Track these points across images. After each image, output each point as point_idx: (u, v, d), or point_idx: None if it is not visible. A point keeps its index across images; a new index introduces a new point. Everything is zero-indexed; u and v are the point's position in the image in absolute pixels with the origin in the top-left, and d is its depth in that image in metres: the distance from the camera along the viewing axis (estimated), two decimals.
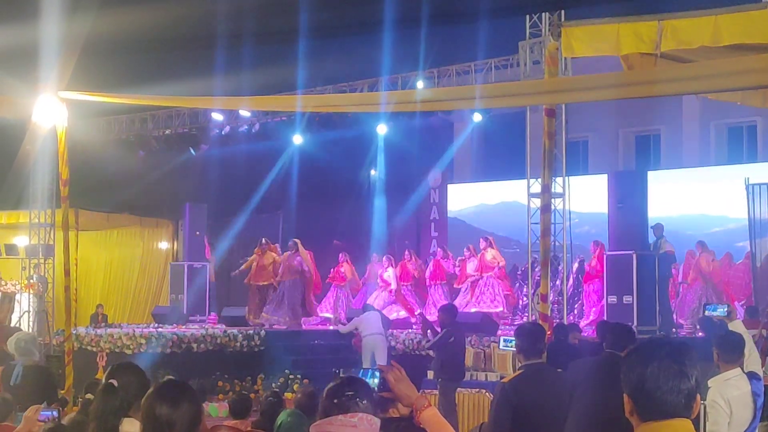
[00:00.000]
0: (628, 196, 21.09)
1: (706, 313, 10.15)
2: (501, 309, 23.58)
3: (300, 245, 25.12)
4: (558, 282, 21.60)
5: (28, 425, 7.45)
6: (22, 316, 25.92)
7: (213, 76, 20.99)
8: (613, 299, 20.48)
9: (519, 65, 21.22)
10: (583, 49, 11.96)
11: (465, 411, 17.56)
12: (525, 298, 23.60)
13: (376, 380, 4.78)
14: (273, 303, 24.92)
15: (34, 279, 26.38)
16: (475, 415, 17.24)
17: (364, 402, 4.20)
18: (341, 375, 4.60)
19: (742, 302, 22.36)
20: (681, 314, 22.68)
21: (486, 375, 18.24)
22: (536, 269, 20.02)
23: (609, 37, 11.43)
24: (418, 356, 20.16)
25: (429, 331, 17.35)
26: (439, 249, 27.31)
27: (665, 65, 11.36)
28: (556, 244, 20.32)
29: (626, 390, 3.67)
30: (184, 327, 24.54)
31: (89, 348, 22.01)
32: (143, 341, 21.67)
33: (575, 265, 23.97)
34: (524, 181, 20.93)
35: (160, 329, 23.22)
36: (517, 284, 25.53)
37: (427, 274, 25.94)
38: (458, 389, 17.33)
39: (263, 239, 25.83)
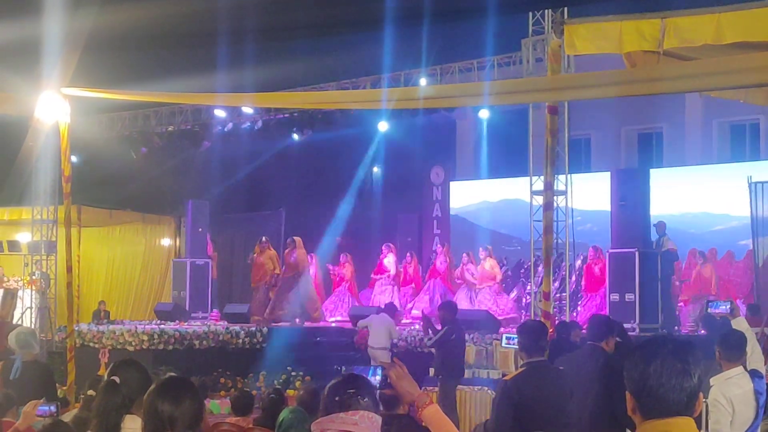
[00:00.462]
0: (631, 193, 21.08)
1: (709, 310, 10.14)
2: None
3: (299, 243, 25.09)
4: (560, 280, 21.60)
5: (26, 420, 7.46)
6: (25, 312, 25.91)
7: (216, 72, 21.00)
8: (615, 297, 20.48)
9: (522, 63, 21.20)
10: (585, 47, 11.94)
11: (467, 408, 17.56)
12: (528, 296, 23.61)
13: (378, 377, 4.78)
14: (275, 300, 24.89)
15: (37, 275, 26.39)
16: (477, 413, 17.24)
17: (366, 400, 4.20)
18: (343, 372, 4.60)
19: (742, 299, 22.36)
20: (683, 312, 22.68)
21: (488, 372, 18.25)
22: (538, 267, 20.01)
23: (612, 35, 11.41)
24: (420, 353, 20.16)
25: (430, 329, 17.37)
26: (438, 247, 27.30)
27: (668, 63, 11.34)
28: (559, 241, 20.29)
29: (629, 388, 3.67)
30: (186, 324, 24.56)
31: (91, 344, 22.01)
32: (145, 338, 21.68)
33: (578, 263, 23.99)
34: (527, 179, 20.90)
35: (162, 326, 23.24)
36: (521, 281, 25.56)
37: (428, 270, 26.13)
38: (460, 387, 17.33)
39: (263, 238, 25.80)
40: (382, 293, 26.29)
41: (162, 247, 33.01)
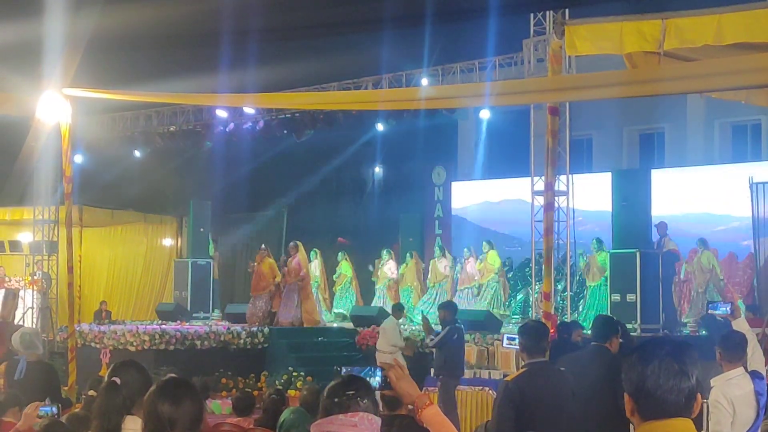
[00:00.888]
0: (632, 194, 21.08)
1: (710, 311, 10.14)
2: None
3: (301, 247, 25.06)
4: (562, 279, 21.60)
5: (27, 422, 7.46)
6: (26, 312, 25.94)
7: (217, 73, 20.99)
8: (616, 297, 20.48)
9: (523, 63, 21.21)
10: (586, 48, 11.95)
11: (468, 409, 17.57)
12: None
13: (378, 378, 4.78)
14: (281, 305, 24.79)
15: (38, 276, 26.41)
16: (477, 413, 17.26)
17: (365, 401, 4.20)
18: (342, 373, 4.60)
19: (743, 299, 22.36)
20: (684, 312, 22.69)
21: (489, 373, 18.24)
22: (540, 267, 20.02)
23: (612, 36, 11.42)
24: (421, 354, 20.16)
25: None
26: (438, 249, 27.29)
27: (669, 64, 11.34)
28: (560, 242, 20.29)
29: (627, 389, 3.67)
30: (187, 324, 24.57)
31: (93, 345, 22.04)
32: (147, 338, 21.69)
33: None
34: (528, 179, 20.90)
35: (163, 326, 23.25)
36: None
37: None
38: (461, 387, 17.35)
39: (262, 245, 25.72)
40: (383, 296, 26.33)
41: (163, 248, 33.02)
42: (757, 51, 10.63)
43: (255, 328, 23.13)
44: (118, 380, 5.37)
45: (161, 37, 9.95)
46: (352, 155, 30.45)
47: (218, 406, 19.40)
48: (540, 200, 19.11)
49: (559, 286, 21.10)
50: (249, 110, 27.14)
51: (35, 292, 26.28)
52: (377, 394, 4.50)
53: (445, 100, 13.33)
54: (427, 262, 27.47)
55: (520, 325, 10.43)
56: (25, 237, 29.20)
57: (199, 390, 4.82)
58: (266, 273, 24.92)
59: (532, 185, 20.53)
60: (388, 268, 26.53)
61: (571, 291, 21.93)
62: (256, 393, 18.17)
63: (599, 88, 10.22)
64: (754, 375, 8.31)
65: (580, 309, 23.42)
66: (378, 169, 32.79)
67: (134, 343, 21.63)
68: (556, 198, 18.72)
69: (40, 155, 21.11)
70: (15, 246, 30.00)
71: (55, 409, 7.64)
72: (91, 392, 9.48)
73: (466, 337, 18.69)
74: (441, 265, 25.95)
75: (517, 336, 8.86)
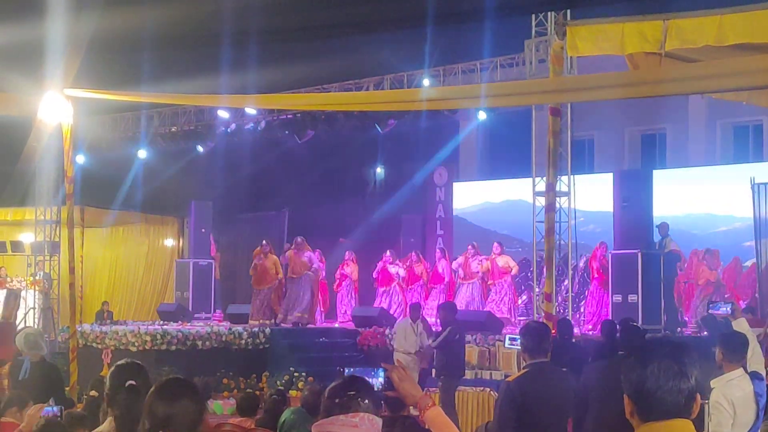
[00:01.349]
0: (634, 195, 21.08)
1: (710, 311, 10.14)
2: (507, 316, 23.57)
3: (305, 244, 25.06)
4: (564, 281, 21.60)
5: (31, 422, 7.47)
6: (28, 312, 25.95)
7: (219, 74, 21.00)
8: (618, 298, 20.48)
9: (525, 64, 21.23)
10: (587, 49, 11.96)
11: (469, 409, 17.59)
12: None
13: (381, 379, 4.78)
14: (287, 301, 24.75)
15: (40, 276, 26.43)
16: (479, 414, 17.28)
17: (366, 402, 4.20)
18: (345, 374, 4.60)
19: (746, 301, 22.35)
20: (686, 313, 22.68)
21: (490, 373, 18.26)
22: (541, 268, 20.01)
23: (614, 37, 11.43)
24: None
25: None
26: (438, 251, 27.26)
27: (670, 65, 11.35)
28: (561, 243, 20.30)
29: (626, 391, 3.68)
30: (189, 324, 24.57)
31: (94, 345, 22.04)
32: (148, 338, 21.70)
33: (581, 264, 23.99)
34: (529, 180, 20.91)
35: (165, 326, 23.26)
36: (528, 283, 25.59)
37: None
38: (462, 387, 17.37)
39: (264, 241, 25.71)
40: (388, 297, 26.28)
41: (165, 248, 33.03)
42: (758, 52, 10.64)
43: (256, 329, 23.12)
44: (134, 383, 5.41)
45: (163, 38, 9.96)
46: (354, 156, 30.45)
47: (220, 407, 19.41)
48: (541, 201, 19.10)
49: (561, 287, 21.12)
50: (250, 111, 27.14)
51: (37, 293, 26.30)
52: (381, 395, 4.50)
53: (447, 101, 13.34)
54: (430, 263, 27.47)
55: (521, 325, 10.42)
56: (26, 237, 29.22)
57: (201, 390, 4.83)
58: (270, 268, 24.94)
59: (534, 186, 20.54)
60: (392, 270, 26.48)
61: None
62: (257, 393, 18.19)
63: (601, 89, 10.22)
64: (754, 376, 8.32)
65: (582, 310, 23.44)
66: (379, 170, 32.79)
67: (136, 344, 21.64)
68: (558, 199, 18.73)
69: (42, 156, 21.15)
70: (17, 246, 30.03)
71: (56, 410, 7.65)
72: (93, 392, 9.50)
73: (467, 337, 18.71)
74: (440, 266, 25.90)
75: (519, 336, 8.85)
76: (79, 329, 20.39)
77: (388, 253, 26.67)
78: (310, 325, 24.67)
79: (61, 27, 10.21)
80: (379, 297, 26.38)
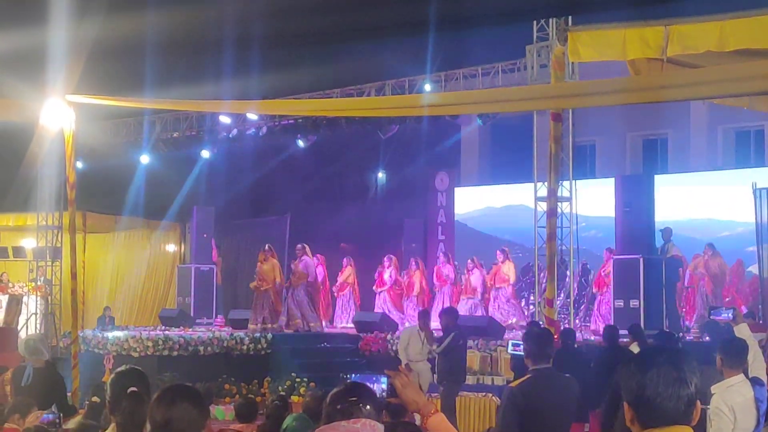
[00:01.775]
0: (636, 199, 21.09)
1: (712, 316, 10.14)
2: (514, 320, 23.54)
3: (307, 250, 25.06)
4: (565, 286, 21.61)
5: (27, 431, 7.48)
6: (30, 318, 25.95)
7: (221, 79, 21.03)
8: (620, 303, 20.48)
9: (526, 69, 21.24)
10: (589, 54, 11.97)
11: (471, 415, 17.57)
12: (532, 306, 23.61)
13: (383, 385, 4.79)
14: (284, 308, 24.76)
15: (41, 281, 26.43)
16: (480, 420, 17.26)
17: (368, 407, 4.21)
18: (347, 380, 4.61)
19: (748, 307, 22.35)
20: (688, 318, 22.68)
21: (492, 379, 18.24)
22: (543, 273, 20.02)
23: (615, 42, 11.44)
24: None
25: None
26: (442, 255, 27.30)
27: (672, 70, 11.36)
28: (563, 248, 20.30)
29: (626, 398, 3.68)
30: (190, 330, 24.56)
31: (96, 350, 22.04)
32: (150, 344, 21.68)
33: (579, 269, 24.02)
34: (531, 185, 20.92)
35: (166, 332, 23.25)
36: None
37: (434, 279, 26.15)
38: (464, 393, 17.36)
39: (267, 245, 25.71)
40: (385, 303, 26.34)
41: (167, 253, 33.03)
42: (759, 57, 10.65)
43: (258, 334, 23.12)
44: (136, 389, 5.42)
45: (165, 44, 9.99)
46: (355, 161, 30.46)
47: (221, 412, 19.39)
48: (543, 206, 19.12)
49: (562, 293, 21.13)
50: (252, 116, 27.14)
51: (39, 298, 26.30)
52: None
53: (448, 107, 13.35)
54: (431, 269, 27.49)
55: (524, 331, 10.43)
56: (28, 243, 29.24)
57: (203, 396, 4.84)
58: (267, 272, 24.91)
59: (536, 191, 20.55)
60: (387, 276, 26.52)
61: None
62: (259, 399, 18.17)
63: (602, 95, 10.23)
64: (755, 382, 8.31)
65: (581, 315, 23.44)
66: (381, 175, 32.80)
67: (137, 349, 21.62)
68: (559, 204, 18.73)
69: (44, 161, 21.18)
70: (18, 252, 30.03)
71: (52, 416, 7.65)
72: (94, 398, 9.50)
73: (469, 343, 18.68)
74: (444, 271, 25.92)
75: (521, 342, 8.85)
76: (80, 335, 20.39)
77: (386, 258, 26.73)
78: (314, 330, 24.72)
79: (63, 33, 10.25)
80: (379, 302, 26.41)
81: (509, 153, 29.61)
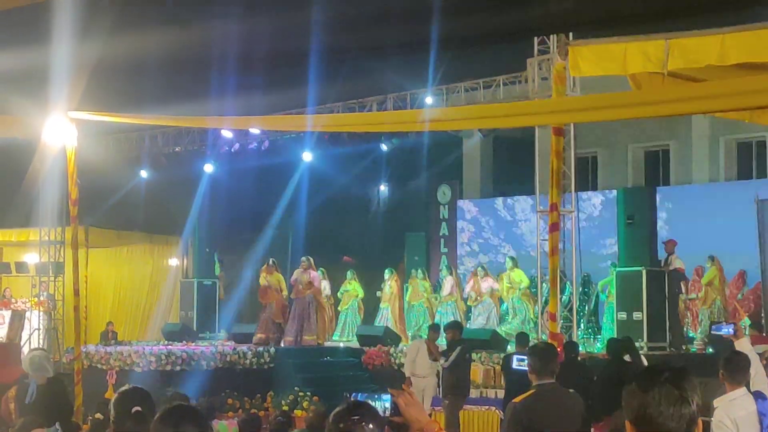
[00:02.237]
0: (638, 212, 21.09)
1: (713, 332, 10.13)
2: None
3: (312, 262, 25.09)
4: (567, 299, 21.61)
5: None
6: (32, 333, 25.94)
7: (223, 95, 21.04)
8: (622, 315, 20.47)
9: (527, 82, 21.28)
10: (590, 69, 11.96)
11: (474, 429, 17.58)
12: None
13: (387, 404, 4.80)
14: (288, 321, 24.76)
15: (44, 296, 26.43)
16: None
17: (370, 426, 4.22)
18: (350, 399, 4.62)
19: (749, 314, 22.35)
20: (692, 330, 22.69)
21: (496, 392, 18.23)
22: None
23: (616, 56, 11.44)
24: None
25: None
26: (443, 268, 27.30)
27: (673, 84, 11.36)
28: (565, 261, 20.31)
29: (628, 417, 3.69)
30: (193, 344, 24.57)
31: (99, 366, 22.04)
32: (153, 359, 21.69)
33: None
34: (533, 198, 20.95)
35: (169, 347, 23.26)
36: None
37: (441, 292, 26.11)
38: (467, 407, 17.37)
39: (271, 260, 25.75)
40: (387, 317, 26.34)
41: (169, 268, 33.04)
42: (760, 71, 10.65)
43: (261, 348, 23.13)
44: (140, 408, 5.44)
45: (167, 61, 10.01)
46: (357, 174, 30.50)
47: (225, 427, 19.36)
48: (545, 219, 19.14)
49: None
50: (254, 130, 27.20)
51: (41, 313, 26.29)
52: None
53: (450, 122, 13.37)
54: (434, 281, 27.48)
55: (529, 346, 10.42)
56: (31, 258, 29.23)
57: (205, 411, 4.85)
58: (273, 285, 24.98)
59: (537, 204, 20.57)
60: (390, 287, 26.53)
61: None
62: (262, 413, 18.17)
63: (604, 110, 10.23)
64: (758, 395, 8.30)
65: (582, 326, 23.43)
66: (383, 188, 32.83)
67: (140, 364, 21.63)
68: (562, 217, 18.75)
69: (46, 177, 21.18)
70: (21, 267, 30.01)
71: None
72: (98, 415, 9.52)
73: (472, 356, 18.68)
74: (448, 284, 25.88)
75: (526, 357, 8.83)
76: (83, 350, 20.37)
77: (387, 270, 26.75)
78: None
79: (65, 51, 10.26)
80: (382, 315, 26.42)
81: (511, 166, 29.67)
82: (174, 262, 32.94)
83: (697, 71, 11.39)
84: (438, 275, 27.76)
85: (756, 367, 8.57)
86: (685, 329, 22.30)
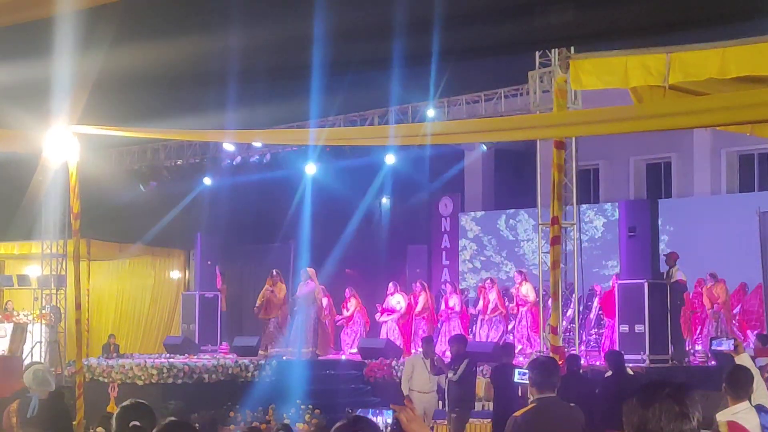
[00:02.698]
0: (640, 224, 21.08)
1: (713, 348, 10.12)
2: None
3: (313, 274, 25.10)
4: (570, 312, 21.60)
5: None
6: (35, 346, 25.94)
7: (225, 109, 21.07)
8: (624, 328, 20.46)
9: (529, 94, 21.31)
10: (591, 82, 11.97)
11: None
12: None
13: (388, 419, 4.81)
14: (289, 333, 24.79)
15: (47, 309, 26.44)
16: None
17: None
18: (351, 413, 4.63)
19: (756, 331, 22.33)
20: (694, 343, 22.66)
21: None
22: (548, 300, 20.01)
23: (617, 70, 11.45)
24: None
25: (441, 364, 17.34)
26: (448, 285, 27.26)
27: (674, 97, 11.38)
28: (567, 274, 20.30)
29: None
30: (195, 357, 24.56)
31: (100, 379, 22.03)
32: (155, 372, 21.68)
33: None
34: (535, 210, 20.95)
35: (171, 359, 23.25)
36: None
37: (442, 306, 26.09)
38: (471, 420, 17.37)
39: (274, 271, 25.79)
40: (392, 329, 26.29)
41: (171, 280, 33.07)
42: (761, 84, 10.67)
43: (263, 361, 23.12)
44: (138, 423, 5.44)
45: (170, 75, 10.01)
46: (359, 186, 30.50)
47: None
48: (547, 232, 19.14)
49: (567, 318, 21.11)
50: (256, 143, 27.23)
51: (44, 326, 26.30)
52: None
53: (451, 136, 13.38)
54: (437, 295, 27.45)
55: (530, 359, 10.42)
56: (33, 271, 29.26)
57: (207, 425, 4.86)
58: (279, 297, 25.05)
59: (539, 216, 20.56)
60: (394, 300, 26.49)
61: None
62: (264, 426, 18.13)
63: (605, 123, 10.23)
64: (760, 409, 8.29)
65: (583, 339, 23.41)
66: (385, 200, 32.83)
67: (142, 377, 21.63)
68: (563, 229, 18.75)
69: (48, 190, 21.20)
70: (23, 280, 30.04)
71: None
72: (99, 429, 9.51)
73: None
74: (451, 301, 25.79)
75: (527, 371, 8.82)
76: (85, 363, 20.35)
77: (390, 285, 26.71)
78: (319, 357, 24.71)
79: (67, 64, 10.27)
80: (384, 328, 26.39)
81: (513, 178, 29.70)
82: (176, 274, 32.97)
83: (697, 84, 11.41)
84: (440, 288, 27.75)
85: (757, 381, 8.56)
86: (689, 341, 22.28)
